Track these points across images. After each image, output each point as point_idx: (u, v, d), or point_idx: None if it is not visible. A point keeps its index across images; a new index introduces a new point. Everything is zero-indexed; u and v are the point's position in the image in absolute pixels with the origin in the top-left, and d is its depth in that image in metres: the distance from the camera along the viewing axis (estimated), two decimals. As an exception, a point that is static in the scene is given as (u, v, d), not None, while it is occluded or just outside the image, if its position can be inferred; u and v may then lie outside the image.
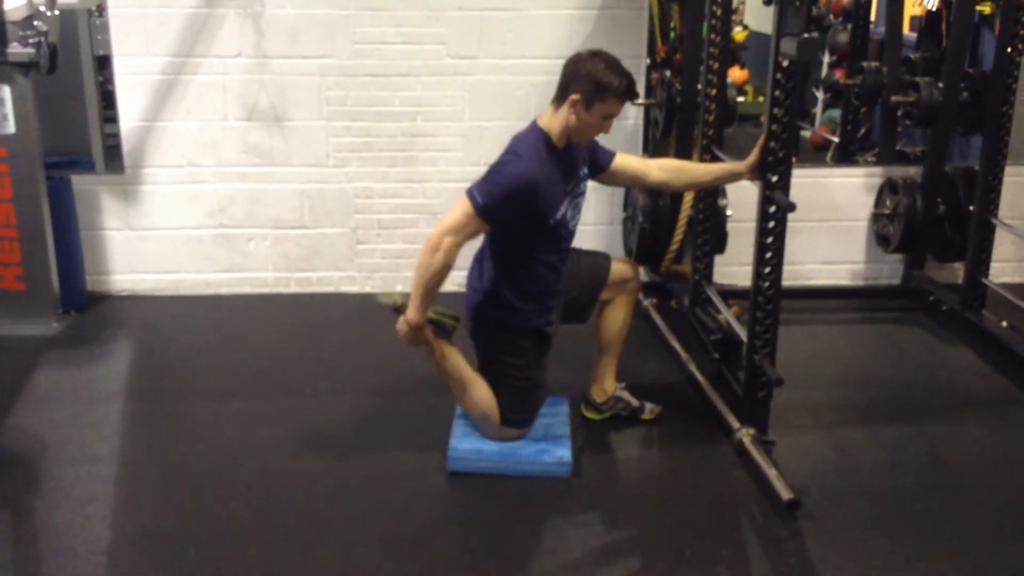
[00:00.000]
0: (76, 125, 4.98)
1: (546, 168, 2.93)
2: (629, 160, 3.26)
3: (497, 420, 3.14)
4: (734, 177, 3.26)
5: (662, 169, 3.28)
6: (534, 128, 3.00)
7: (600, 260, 3.34)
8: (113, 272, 4.73)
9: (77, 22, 4.77)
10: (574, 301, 3.28)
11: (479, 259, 3.17)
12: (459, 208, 2.89)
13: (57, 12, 4.05)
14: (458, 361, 3.16)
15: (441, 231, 2.87)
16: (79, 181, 4.58)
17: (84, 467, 3.16)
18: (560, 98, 2.95)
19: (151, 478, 3.12)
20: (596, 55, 2.93)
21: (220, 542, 2.75)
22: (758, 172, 3.15)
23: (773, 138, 3.08)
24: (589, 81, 2.88)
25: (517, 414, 3.15)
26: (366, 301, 4.72)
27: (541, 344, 3.15)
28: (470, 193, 2.90)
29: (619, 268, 3.33)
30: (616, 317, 3.35)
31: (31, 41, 3.99)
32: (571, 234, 3.13)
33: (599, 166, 3.20)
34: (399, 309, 3.07)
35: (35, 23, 3.98)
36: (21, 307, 4.25)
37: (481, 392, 3.14)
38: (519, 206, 2.89)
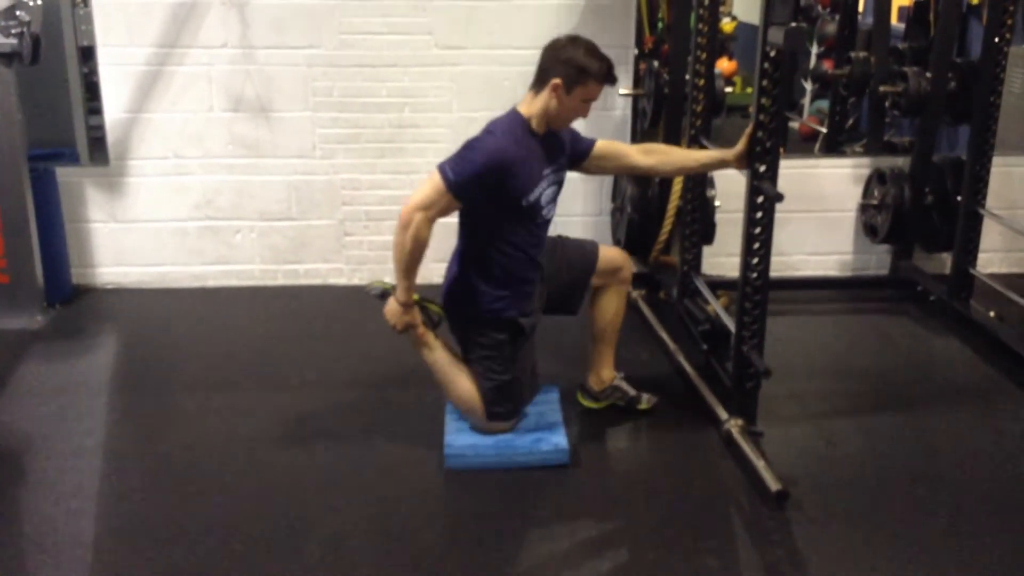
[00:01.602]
0: (60, 116, 4.95)
1: (520, 148, 2.93)
2: (610, 146, 3.25)
3: (482, 414, 3.13)
4: (721, 165, 3.25)
5: (646, 154, 3.26)
6: (512, 113, 3.02)
7: (587, 247, 3.32)
8: (98, 265, 4.70)
9: (60, 12, 4.73)
10: (561, 290, 3.26)
11: (455, 253, 3.15)
12: (429, 183, 2.88)
13: (40, 2, 4.01)
14: (443, 354, 3.16)
15: (410, 208, 2.86)
16: (63, 173, 4.55)
17: (69, 460, 3.14)
18: (540, 83, 2.97)
19: (137, 471, 3.11)
20: (575, 40, 2.96)
21: (206, 535, 2.74)
22: (746, 161, 3.14)
23: (761, 128, 3.08)
24: (570, 66, 2.90)
25: (499, 407, 3.14)
26: (354, 293, 4.70)
27: (517, 337, 3.12)
28: (441, 168, 2.89)
29: (608, 255, 3.31)
30: (608, 305, 3.34)
31: (13, 31, 3.95)
32: (546, 223, 3.11)
33: (580, 153, 3.18)
34: (386, 294, 3.08)
35: (17, 13, 3.95)
36: (5, 300, 4.22)
37: (465, 386, 3.14)
38: (490, 183, 2.89)
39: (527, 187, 2.95)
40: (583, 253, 3.30)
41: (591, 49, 2.94)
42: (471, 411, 3.14)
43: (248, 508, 2.88)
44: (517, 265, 3.06)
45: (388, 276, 4.71)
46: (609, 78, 2.97)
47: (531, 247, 3.08)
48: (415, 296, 3.06)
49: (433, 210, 2.88)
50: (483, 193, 2.90)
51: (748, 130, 3.11)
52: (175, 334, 4.24)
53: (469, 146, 2.93)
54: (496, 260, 3.03)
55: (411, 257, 2.91)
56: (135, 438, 3.35)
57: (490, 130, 2.97)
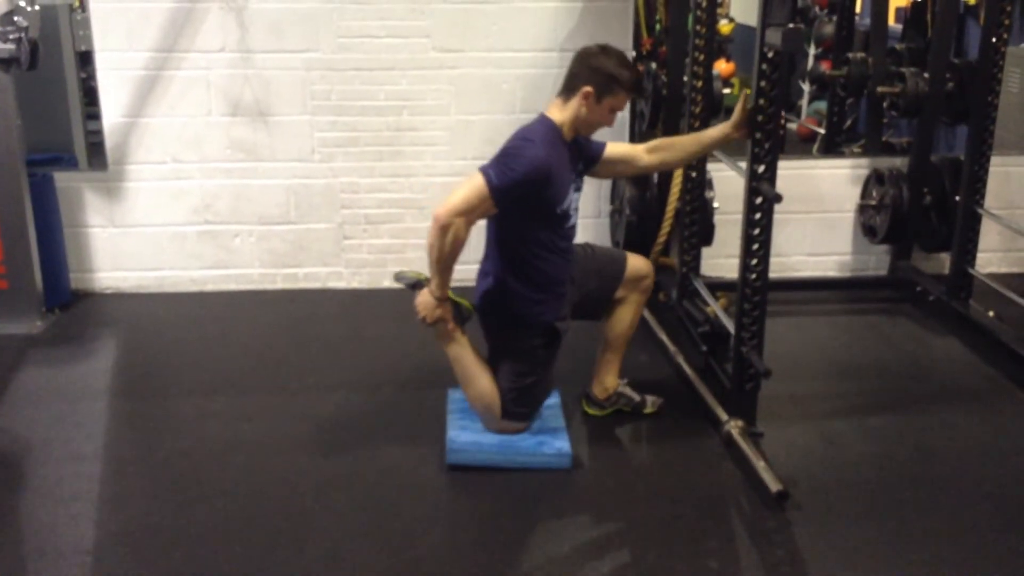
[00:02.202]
0: (58, 122, 4.95)
1: (556, 156, 2.96)
2: (618, 148, 3.27)
3: (499, 413, 3.13)
4: (725, 140, 3.21)
5: (653, 151, 3.27)
6: (544, 119, 3.03)
7: (616, 256, 3.36)
8: (97, 270, 4.70)
9: (58, 17, 4.74)
10: (589, 297, 3.28)
11: (486, 253, 3.16)
12: (471, 187, 2.87)
13: (37, 7, 4.01)
14: (466, 350, 3.15)
15: (451, 211, 2.85)
16: (62, 178, 4.55)
17: (69, 466, 3.13)
18: (569, 90, 3.00)
19: (136, 476, 3.10)
20: (606, 49, 3.01)
21: (206, 539, 2.73)
22: (746, 130, 3.13)
23: (758, 128, 3.08)
24: (601, 74, 2.94)
25: (520, 407, 3.14)
26: (353, 296, 4.71)
27: (552, 342, 3.15)
28: (484, 172, 2.88)
29: (635, 265, 3.33)
30: (625, 315, 3.35)
31: (11, 37, 3.95)
32: (572, 228, 3.14)
33: (592, 158, 3.19)
34: (419, 284, 3.09)
35: (15, 18, 3.94)
36: (4, 305, 4.22)
37: (485, 384, 3.13)
38: (531, 191, 2.91)
39: (562, 195, 2.99)
40: (612, 261, 3.32)
41: (622, 59, 2.99)
42: (488, 408, 3.14)
43: (248, 512, 2.87)
44: (554, 269, 3.08)
45: (387, 280, 4.78)
46: (637, 88, 3.04)
47: (564, 251, 3.11)
48: (449, 292, 3.07)
49: (474, 214, 2.89)
50: (521, 200, 2.92)
51: (741, 100, 3.11)
52: (174, 338, 4.24)
53: (511, 153, 2.92)
54: (534, 265, 3.05)
55: (450, 258, 2.92)
56: (134, 442, 3.34)
57: (529, 138, 2.96)
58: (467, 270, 3.18)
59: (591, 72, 2.95)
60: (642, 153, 3.26)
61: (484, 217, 2.97)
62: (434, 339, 3.18)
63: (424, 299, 3.05)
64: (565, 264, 3.13)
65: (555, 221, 3.03)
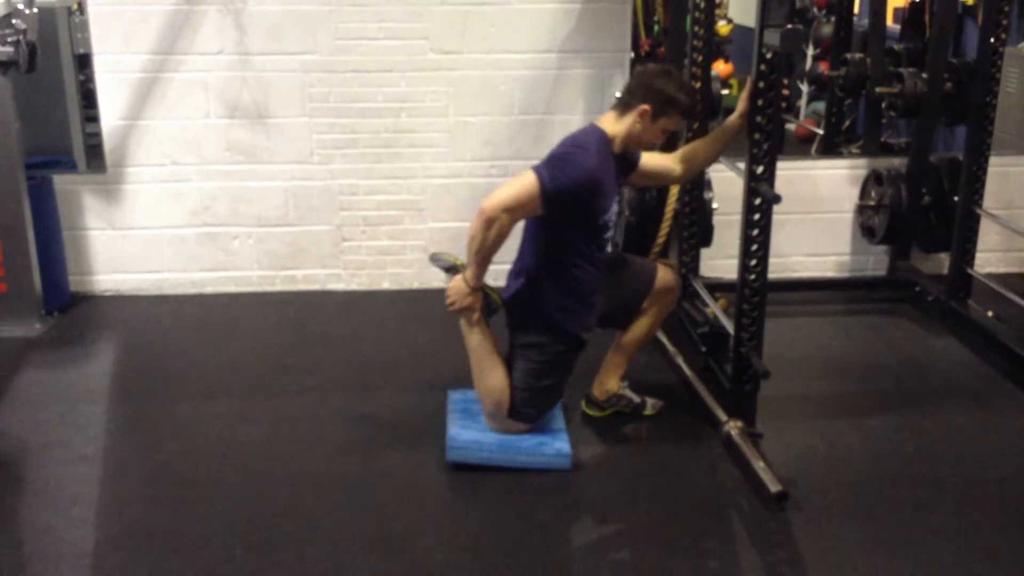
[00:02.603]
0: (57, 124, 4.95)
1: (606, 167, 3.00)
2: (654, 159, 3.29)
3: (506, 411, 3.13)
4: (734, 132, 3.25)
5: (682, 162, 3.33)
6: (596, 129, 3.05)
7: (647, 268, 3.37)
8: (96, 272, 4.70)
9: (56, 20, 4.74)
10: (616, 306, 3.28)
11: (521, 255, 3.17)
12: (522, 185, 2.88)
13: (36, 10, 4.01)
14: (487, 342, 3.14)
15: (497, 206, 2.85)
16: (61, 181, 4.55)
17: (68, 468, 3.13)
18: (626, 106, 3.04)
19: (136, 478, 3.10)
20: (668, 72, 3.07)
21: (206, 542, 2.73)
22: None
23: (758, 129, 3.08)
24: (661, 95, 2.99)
25: (528, 408, 3.14)
26: (352, 298, 4.71)
27: (574, 350, 3.16)
28: (538, 173, 2.89)
29: (664, 279, 3.34)
30: (643, 324, 3.36)
31: (9, 40, 3.95)
32: (609, 239, 3.17)
33: (630, 166, 3.22)
34: (454, 269, 3.09)
35: (13, 21, 3.94)
36: (3, 308, 4.21)
37: (499, 380, 3.13)
38: (581, 199, 2.93)
39: (606, 207, 3.02)
40: (642, 272, 3.34)
41: (682, 83, 3.05)
42: (497, 404, 3.13)
43: (248, 514, 2.87)
44: (588, 278, 3.10)
45: (386, 281, 4.78)
46: (692, 112, 3.11)
47: (600, 262, 3.13)
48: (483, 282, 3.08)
49: (519, 212, 2.91)
50: (570, 206, 2.94)
51: (745, 91, 3.13)
52: (173, 341, 4.24)
53: (566, 158, 2.94)
54: (571, 273, 3.06)
55: (491, 251, 2.94)
56: (134, 445, 3.34)
57: (583, 146, 2.97)
58: (497, 270, 3.18)
59: (651, 92, 3.00)
60: (675, 165, 3.32)
61: (528, 216, 2.97)
62: (461, 326, 3.15)
63: (457, 285, 3.05)
64: (599, 274, 3.14)
65: (596, 231, 3.05)
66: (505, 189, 2.89)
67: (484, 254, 2.94)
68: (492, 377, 3.13)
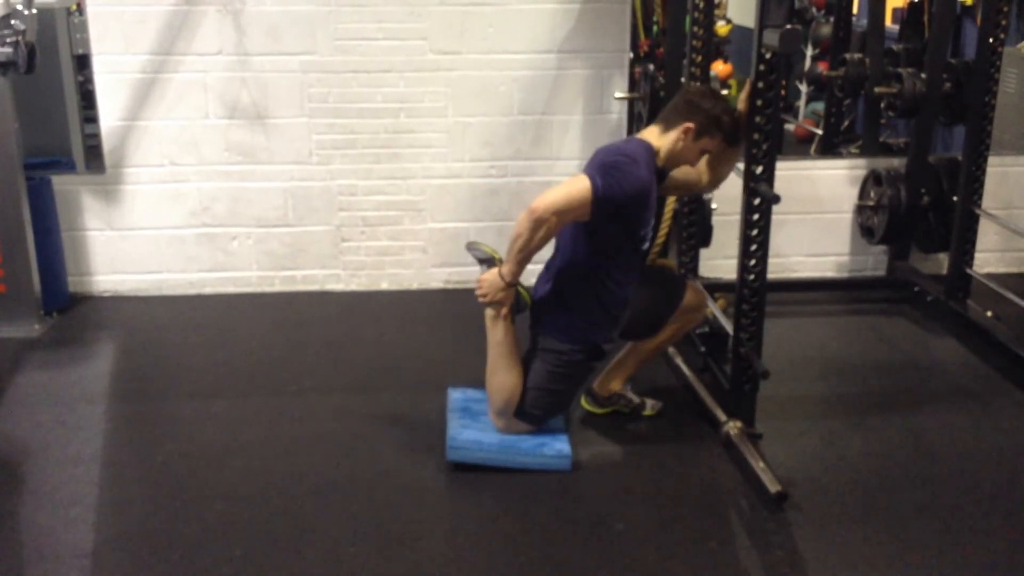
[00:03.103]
0: (56, 125, 4.93)
1: (653, 181, 3.02)
2: (682, 169, 3.28)
3: (513, 410, 3.13)
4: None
5: (709, 170, 3.32)
6: (642, 143, 3.07)
7: (678, 283, 3.39)
8: (95, 273, 4.69)
9: (55, 21, 4.73)
10: (642, 319, 3.26)
11: (554, 259, 3.17)
12: (576, 188, 2.88)
13: (35, 11, 4.00)
14: (508, 338, 3.13)
15: (548, 208, 2.86)
16: (60, 181, 4.55)
17: (67, 469, 3.13)
18: (669, 123, 3.06)
19: (135, 479, 3.10)
20: (713, 93, 3.12)
21: (205, 543, 2.73)
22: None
23: (757, 130, 3.08)
24: (706, 116, 3.03)
25: (535, 409, 3.15)
26: (351, 298, 4.71)
27: (594, 362, 3.17)
28: (591, 177, 2.89)
29: (693, 298, 3.36)
30: (664, 333, 3.37)
31: (8, 40, 3.94)
32: (645, 253, 3.19)
33: (662, 176, 3.21)
34: (491, 262, 3.10)
35: (12, 22, 3.94)
36: (2, 309, 4.21)
37: (513, 378, 3.12)
38: (628, 209, 2.95)
39: (648, 220, 3.06)
40: (673, 288, 3.35)
41: (727, 107, 3.07)
42: (506, 403, 3.13)
43: (247, 515, 2.87)
44: (620, 290, 3.11)
45: (385, 281, 4.78)
46: (735, 139, 3.10)
47: (631, 276, 3.13)
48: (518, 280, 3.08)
49: (568, 215, 2.91)
50: (617, 215, 2.95)
51: (745, 90, 3.13)
52: (172, 341, 4.24)
53: (619, 167, 2.93)
54: (604, 285, 3.07)
55: (534, 251, 2.95)
56: (133, 446, 3.34)
57: (634, 157, 2.97)
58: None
59: (696, 111, 3.03)
60: (702, 175, 3.33)
61: (576, 220, 2.96)
62: (487, 319, 3.14)
63: (492, 278, 3.05)
64: (629, 287, 3.14)
65: (635, 243, 3.07)
66: (558, 191, 2.90)
67: (527, 253, 2.94)
68: (507, 375, 3.13)
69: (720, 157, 3.22)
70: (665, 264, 4.56)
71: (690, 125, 3.02)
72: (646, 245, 3.16)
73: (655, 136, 3.08)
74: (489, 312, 3.12)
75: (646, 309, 3.26)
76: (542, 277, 3.21)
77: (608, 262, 3.06)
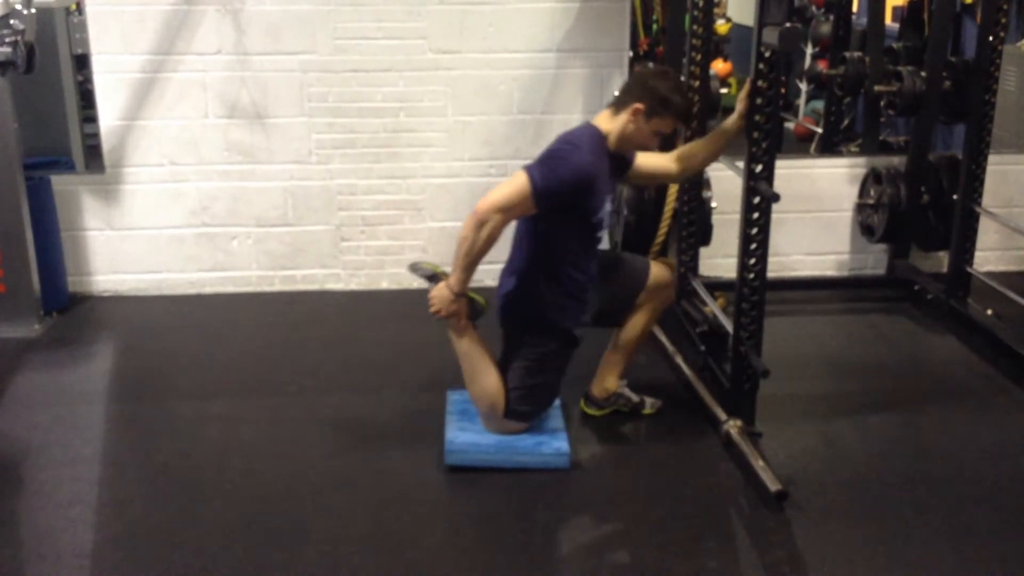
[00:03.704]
0: (55, 125, 4.94)
1: (600, 165, 2.99)
2: (650, 159, 3.28)
3: (501, 412, 3.12)
4: (732, 134, 3.23)
5: (679, 160, 3.31)
6: (591, 127, 3.05)
7: (639, 264, 3.36)
8: (95, 272, 4.69)
9: (55, 20, 4.73)
10: (611, 304, 3.28)
11: (513, 254, 3.16)
12: (513, 186, 2.89)
13: (34, 11, 4.00)
14: (476, 346, 3.13)
15: (490, 207, 2.86)
16: (59, 181, 4.54)
17: (67, 469, 3.13)
18: (620, 105, 3.04)
19: (135, 479, 3.10)
20: (665, 73, 3.07)
21: (205, 542, 2.73)
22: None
23: (756, 128, 3.08)
24: (655, 95, 2.98)
25: (523, 406, 3.14)
26: (351, 298, 4.71)
27: (568, 347, 3.16)
28: (529, 172, 2.89)
29: (658, 274, 3.34)
30: (638, 321, 3.35)
31: (8, 40, 3.94)
32: (601, 238, 3.17)
33: (626, 165, 3.21)
34: (436, 277, 3.09)
35: (11, 22, 3.94)
36: (2, 309, 4.21)
37: (492, 382, 3.12)
38: (574, 197, 2.93)
39: (599, 205, 3.02)
40: (636, 269, 3.33)
41: (679, 86, 3.04)
42: (492, 407, 3.13)
43: (247, 514, 2.87)
44: (581, 276, 3.10)
45: (385, 281, 4.78)
46: (687, 117, 3.07)
47: (592, 259, 3.13)
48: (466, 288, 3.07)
49: (512, 212, 2.90)
50: (561, 205, 2.93)
51: (743, 92, 3.12)
52: (172, 341, 4.24)
53: (558, 156, 2.94)
54: (564, 271, 3.07)
55: (480, 253, 2.93)
56: (133, 446, 3.34)
57: (576, 144, 2.97)
58: (488, 270, 3.18)
59: (645, 91, 2.99)
60: (671, 164, 3.31)
61: (521, 217, 2.96)
62: (448, 332, 3.15)
63: (440, 292, 3.04)
64: (591, 272, 3.14)
65: (589, 229, 3.06)
66: (499, 189, 2.90)
67: (472, 257, 2.93)
68: (484, 380, 3.13)
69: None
70: (665, 263, 4.57)
71: (639, 106, 2.99)
72: (603, 230, 3.13)
73: (605, 120, 3.06)
74: (450, 325, 3.11)
75: (615, 291, 3.27)
76: (504, 272, 3.20)
77: (564, 249, 3.05)
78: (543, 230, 3.04)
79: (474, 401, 3.19)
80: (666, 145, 4.37)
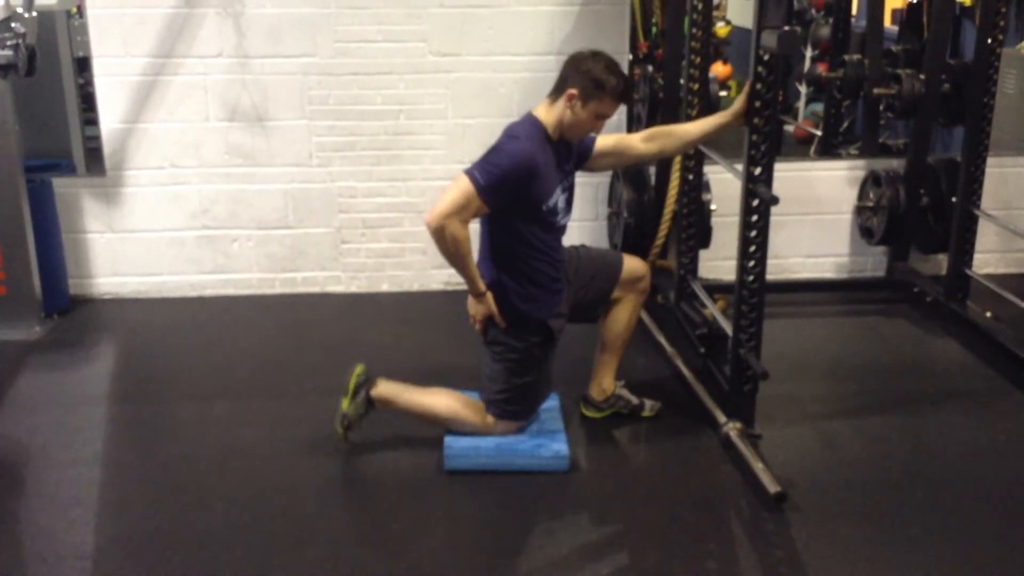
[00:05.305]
0: (56, 128, 4.96)
1: (542, 152, 2.97)
2: (608, 139, 3.26)
3: (486, 421, 3.13)
4: (724, 128, 3.21)
5: (650, 139, 3.27)
6: (530, 117, 3.04)
7: (610, 257, 3.36)
8: (96, 275, 4.70)
9: (56, 23, 4.74)
10: (585, 300, 3.28)
11: (480, 253, 3.16)
12: (456, 189, 2.88)
13: (35, 14, 4.01)
14: (414, 396, 3.20)
15: (438, 215, 2.85)
16: (60, 184, 4.55)
17: (68, 471, 3.14)
18: (557, 91, 3.01)
19: (136, 481, 3.10)
20: (597, 55, 3.00)
21: (206, 544, 2.74)
22: (744, 119, 3.14)
23: (755, 131, 3.09)
24: (588, 78, 2.94)
25: (513, 407, 3.14)
26: (351, 300, 4.71)
27: (546, 341, 3.15)
28: (469, 173, 2.89)
29: (630, 266, 3.33)
30: (621, 316, 3.35)
31: (9, 43, 3.95)
32: (563, 228, 3.15)
33: (584, 153, 3.20)
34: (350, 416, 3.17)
35: (12, 25, 3.95)
36: (3, 312, 4.22)
37: (444, 403, 3.16)
38: (518, 187, 2.91)
39: (547, 192, 3.00)
40: (606, 263, 3.32)
41: (611, 65, 2.98)
42: (465, 422, 3.14)
43: (248, 516, 2.88)
44: (544, 266, 3.09)
45: (385, 283, 4.79)
46: (625, 96, 3.01)
47: (553, 250, 3.11)
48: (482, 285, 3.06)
49: (463, 214, 2.89)
50: (511, 196, 2.93)
51: (746, 89, 3.12)
52: (173, 344, 4.24)
53: (495, 150, 2.95)
54: (525, 262, 3.05)
55: (459, 257, 2.93)
56: (133, 448, 3.35)
57: (514, 135, 2.98)
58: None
59: (578, 75, 2.95)
60: (637, 142, 3.26)
61: (475, 217, 2.95)
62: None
63: (469, 305, 3.09)
64: (555, 262, 3.13)
65: (541, 218, 3.02)
66: (443, 196, 2.88)
67: (457, 260, 2.94)
68: (439, 406, 3.16)
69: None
70: (664, 266, 4.58)
71: (573, 91, 2.95)
72: (559, 218, 3.10)
73: (544, 109, 3.04)
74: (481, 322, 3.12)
75: (588, 286, 3.26)
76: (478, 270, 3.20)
77: (522, 241, 3.03)
78: (498, 225, 3.03)
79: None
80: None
